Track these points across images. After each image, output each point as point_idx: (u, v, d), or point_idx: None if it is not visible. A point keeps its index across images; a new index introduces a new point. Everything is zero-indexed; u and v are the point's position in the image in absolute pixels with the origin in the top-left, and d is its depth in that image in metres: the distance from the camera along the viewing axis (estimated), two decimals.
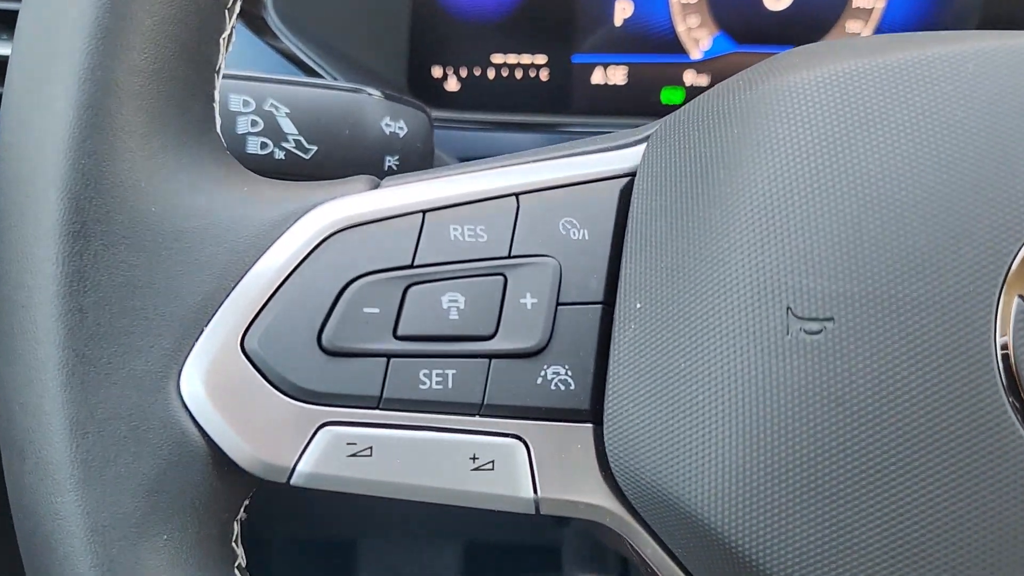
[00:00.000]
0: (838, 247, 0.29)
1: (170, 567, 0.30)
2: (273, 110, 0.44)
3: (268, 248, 0.31)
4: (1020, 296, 0.28)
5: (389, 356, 0.31)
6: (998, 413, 0.28)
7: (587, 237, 0.33)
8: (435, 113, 0.69)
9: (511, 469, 0.31)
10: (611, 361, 0.32)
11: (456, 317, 0.32)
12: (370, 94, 0.47)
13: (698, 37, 0.71)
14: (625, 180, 0.34)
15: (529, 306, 0.32)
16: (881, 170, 0.29)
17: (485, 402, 0.31)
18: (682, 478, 0.30)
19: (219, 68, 0.33)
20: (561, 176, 0.34)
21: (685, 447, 0.30)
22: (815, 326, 0.29)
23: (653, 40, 0.72)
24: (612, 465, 0.32)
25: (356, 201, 0.33)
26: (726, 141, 0.32)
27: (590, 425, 0.32)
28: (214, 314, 0.31)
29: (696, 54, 0.72)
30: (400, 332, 0.31)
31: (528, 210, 0.33)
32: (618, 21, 0.72)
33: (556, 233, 0.33)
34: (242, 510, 0.33)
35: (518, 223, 0.33)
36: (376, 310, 0.31)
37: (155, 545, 0.30)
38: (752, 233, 0.30)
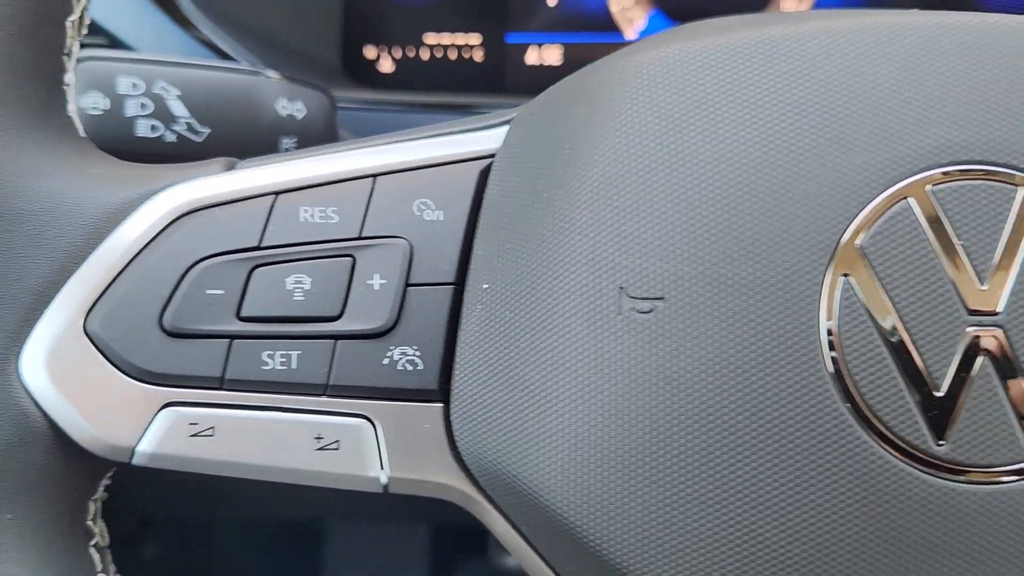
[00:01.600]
0: (672, 227, 0.29)
1: (16, 545, 0.30)
2: (163, 92, 0.44)
3: (113, 230, 0.31)
4: (844, 276, 0.28)
5: (232, 337, 0.31)
6: (821, 393, 0.28)
7: (442, 218, 0.33)
8: (370, 95, 0.69)
9: (357, 448, 0.32)
10: (458, 342, 0.32)
11: (301, 298, 0.32)
12: (268, 76, 0.47)
13: (632, 16, 0.71)
14: (487, 162, 0.34)
15: (377, 287, 0.32)
16: (717, 151, 0.29)
17: (330, 383, 0.31)
18: (521, 457, 0.30)
19: (69, 51, 0.33)
20: (419, 157, 0.34)
21: (524, 426, 0.30)
22: (646, 305, 0.29)
23: (587, 19, 0.71)
24: (459, 444, 0.32)
25: (207, 183, 0.33)
26: (574, 122, 0.32)
27: (439, 405, 0.32)
28: (56, 295, 0.31)
29: (631, 33, 0.71)
30: (243, 313, 0.31)
31: (383, 191, 0.33)
32: (552, 1, 0.71)
33: (410, 214, 0.33)
34: (100, 490, 0.33)
35: (371, 204, 0.33)
36: (220, 291, 0.31)
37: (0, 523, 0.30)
38: (590, 213, 0.30)
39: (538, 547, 0.32)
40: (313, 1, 0.70)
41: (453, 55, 0.72)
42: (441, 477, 0.32)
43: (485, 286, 0.32)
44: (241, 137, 0.45)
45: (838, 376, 0.28)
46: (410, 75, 0.72)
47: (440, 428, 0.32)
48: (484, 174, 0.34)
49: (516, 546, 0.32)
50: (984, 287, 0.28)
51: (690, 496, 0.28)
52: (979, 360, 0.27)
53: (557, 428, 0.29)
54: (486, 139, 0.34)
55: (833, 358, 0.28)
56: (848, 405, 0.28)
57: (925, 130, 0.29)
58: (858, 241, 0.28)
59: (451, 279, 0.32)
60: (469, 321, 0.32)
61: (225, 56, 0.61)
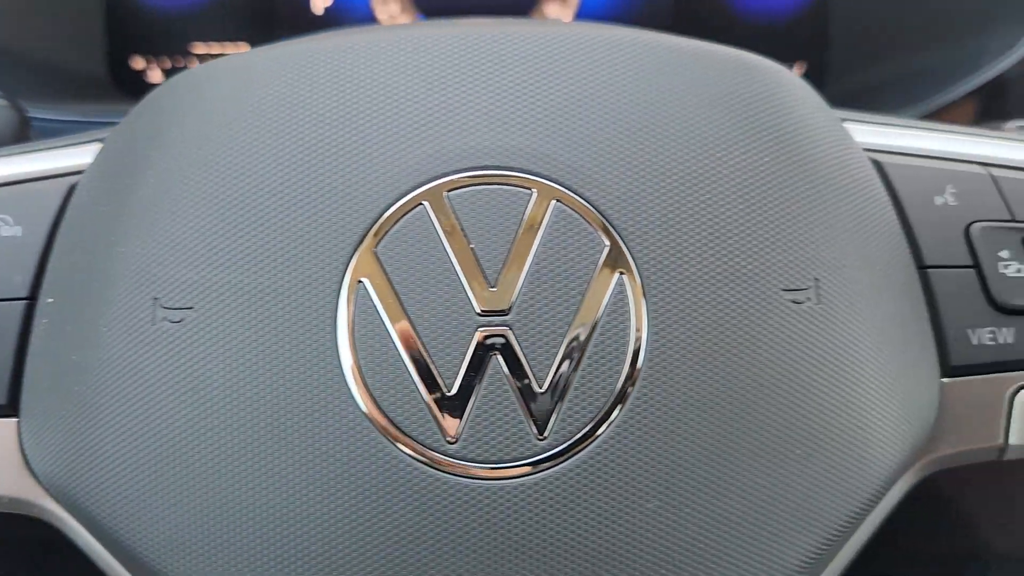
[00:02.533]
0: (202, 237, 0.29)
1: None
2: None
3: None
4: (361, 281, 0.29)
5: None
6: (339, 397, 0.28)
7: (20, 234, 0.33)
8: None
9: None
10: (27, 355, 0.32)
11: None
12: None
13: (399, 23, 0.72)
14: (78, 178, 0.34)
15: None
16: (244, 161, 0.30)
17: None
18: (73, 468, 0.30)
19: None
20: (2, 174, 0.34)
21: (76, 438, 0.30)
22: (177, 315, 0.29)
23: (354, 27, 0.72)
24: (29, 458, 0.32)
25: None
26: (142, 133, 0.32)
27: (14, 419, 0.32)
28: None
29: None
30: None
31: None
32: (318, 9, 0.71)
33: None
34: None
35: None
36: None
37: None
38: (136, 225, 0.30)
39: (117, 557, 0.32)
40: (74, 14, 0.69)
41: None
42: (17, 492, 0.32)
43: (50, 300, 0.32)
44: None
45: (357, 380, 0.28)
46: None
47: (14, 443, 0.32)
48: (73, 190, 0.34)
49: (100, 557, 0.32)
50: (494, 288, 0.28)
51: (220, 500, 0.29)
52: (489, 359, 0.28)
53: (100, 439, 0.30)
54: (79, 154, 0.34)
55: (351, 363, 0.28)
56: (365, 408, 0.28)
57: (443, 137, 0.29)
58: (376, 246, 0.29)
59: (23, 293, 0.32)
60: (36, 335, 0.32)
61: None
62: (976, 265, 0.33)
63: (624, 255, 0.29)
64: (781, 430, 0.29)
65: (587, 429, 0.28)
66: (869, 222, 0.32)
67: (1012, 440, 0.33)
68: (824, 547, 0.30)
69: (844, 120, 0.35)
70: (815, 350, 0.30)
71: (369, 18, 0.71)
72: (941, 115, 0.60)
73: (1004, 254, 0.33)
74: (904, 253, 0.33)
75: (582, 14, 0.72)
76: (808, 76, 0.72)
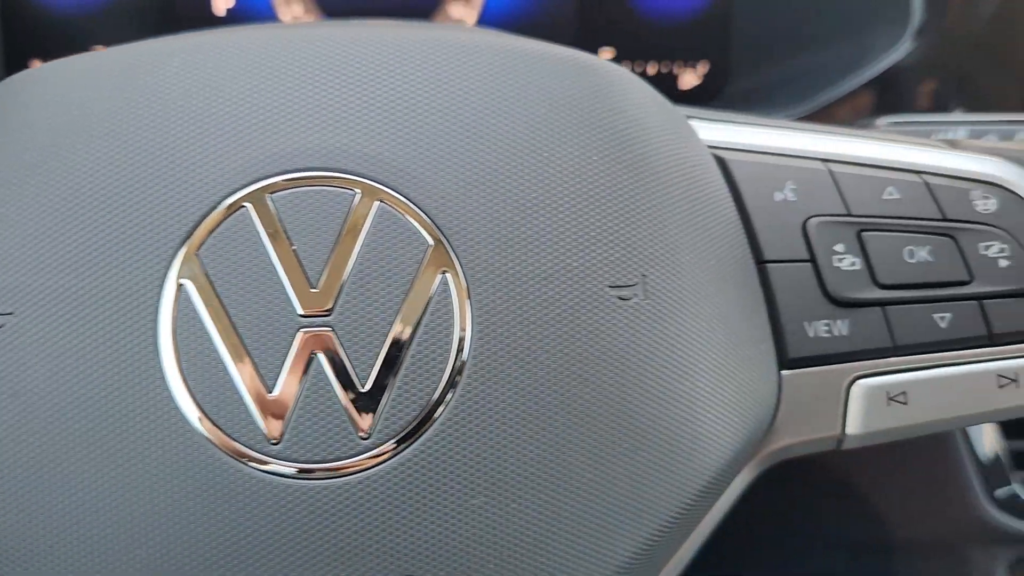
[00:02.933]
0: (23, 241, 0.29)
1: None
2: None
3: None
4: (182, 284, 0.29)
5: None
6: (162, 402, 0.28)
7: None
8: None
9: None
10: None
11: None
12: None
13: None
14: None
15: None
16: (68, 163, 0.30)
17: None
18: None
19: None
20: None
21: None
22: None
23: None
24: None
25: None
26: None
27: None
28: None
29: None
30: None
31: None
32: (219, 11, 0.71)
33: None
34: None
35: None
36: None
37: None
38: None
39: None
40: None
41: None
42: None
43: None
44: None
45: (179, 383, 0.28)
46: None
47: None
48: None
49: None
50: (316, 290, 0.29)
51: (46, 505, 0.28)
52: (312, 360, 0.28)
53: None
54: None
55: (174, 366, 0.28)
56: (187, 412, 0.28)
57: (267, 139, 0.29)
58: (198, 249, 0.29)
59: None
60: None
61: None
62: (812, 259, 0.33)
63: (448, 254, 0.29)
64: (607, 425, 0.29)
65: (410, 428, 0.28)
66: (705, 218, 0.33)
67: (849, 430, 0.34)
68: (654, 540, 0.30)
69: (690, 118, 0.36)
70: (642, 345, 0.30)
71: (271, 19, 0.71)
72: (831, 111, 0.61)
73: (839, 248, 0.34)
74: (742, 248, 0.33)
75: (486, 14, 0.72)
76: (711, 75, 0.73)
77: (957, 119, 0.47)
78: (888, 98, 0.59)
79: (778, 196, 0.34)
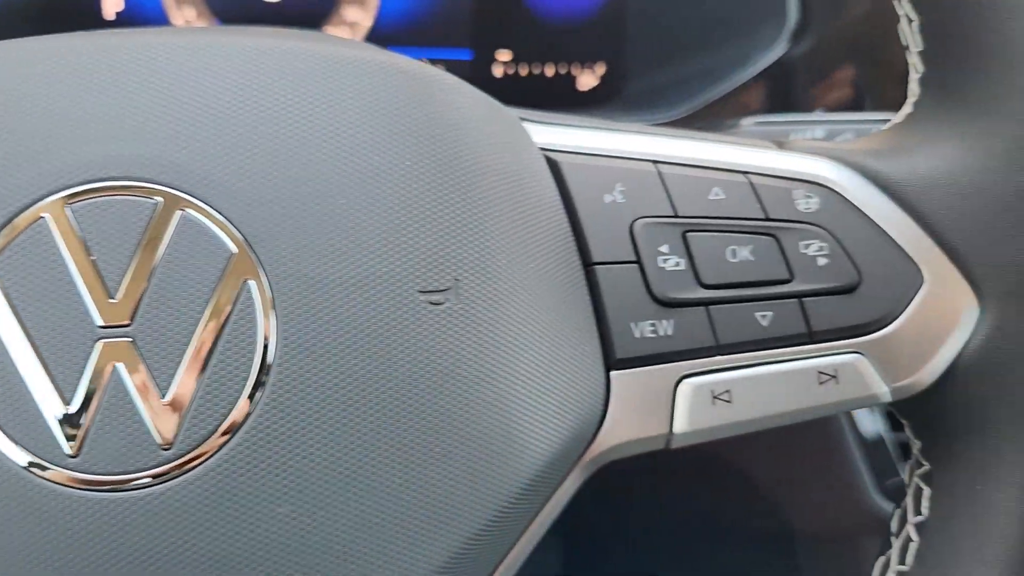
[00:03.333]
0: None
1: None
2: None
3: None
4: None
5: None
6: None
7: None
8: None
9: None
10: None
11: None
12: None
13: None
14: None
15: None
16: None
17: None
18: None
19: None
20: None
21: None
22: None
23: None
24: None
25: None
26: None
27: None
28: None
29: None
30: None
31: None
32: (109, 14, 0.70)
33: None
34: None
35: None
36: None
37: None
38: None
39: None
40: None
41: None
42: None
43: None
44: None
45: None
46: None
47: None
48: None
49: None
50: (115, 300, 0.28)
51: None
52: (111, 372, 0.28)
53: None
54: None
55: None
56: None
57: (69, 148, 0.29)
58: None
59: None
60: None
61: None
62: (638, 260, 0.34)
63: (251, 262, 0.29)
64: (418, 430, 0.29)
65: (213, 438, 0.28)
66: (528, 221, 0.33)
67: (676, 428, 0.34)
68: (470, 545, 0.30)
69: (524, 120, 0.36)
70: (454, 349, 0.30)
71: (163, 23, 0.70)
72: (714, 108, 0.62)
73: (664, 248, 0.34)
74: (569, 251, 0.34)
75: (381, 18, 0.72)
76: (608, 76, 0.74)
77: (816, 118, 0.48)
78: (771, 97, 0.60)
79: (608, 198, 0.34)
